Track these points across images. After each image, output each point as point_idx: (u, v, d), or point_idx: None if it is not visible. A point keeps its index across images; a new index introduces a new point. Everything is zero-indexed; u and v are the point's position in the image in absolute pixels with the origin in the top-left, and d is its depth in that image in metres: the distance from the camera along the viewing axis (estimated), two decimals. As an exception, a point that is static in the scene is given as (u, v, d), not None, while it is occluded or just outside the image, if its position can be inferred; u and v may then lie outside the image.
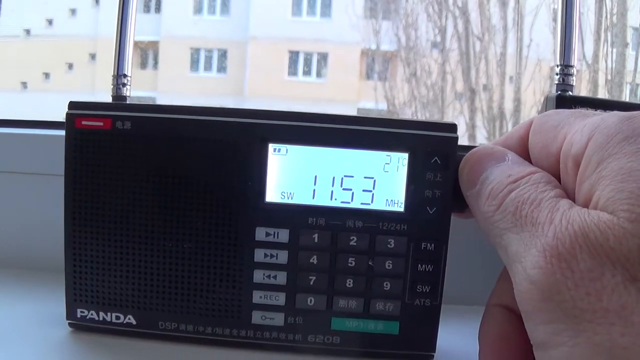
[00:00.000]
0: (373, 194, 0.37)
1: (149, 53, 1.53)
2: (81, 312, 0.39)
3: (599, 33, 1.05)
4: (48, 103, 1.33)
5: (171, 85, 1.35)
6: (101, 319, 0.39)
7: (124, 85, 0.43)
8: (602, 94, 1.04)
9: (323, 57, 1.45)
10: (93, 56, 1.46)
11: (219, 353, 0.38)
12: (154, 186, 0.37)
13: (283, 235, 0.37)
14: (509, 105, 1.23)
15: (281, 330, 0.38)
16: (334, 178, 0.37)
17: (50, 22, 1.39)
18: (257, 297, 0.38)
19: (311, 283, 0.38)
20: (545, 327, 0.25)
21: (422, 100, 1.25)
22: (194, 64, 1.50)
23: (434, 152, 0.37)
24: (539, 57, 1.22)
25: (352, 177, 0.37)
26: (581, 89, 1.03)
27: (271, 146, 0.37)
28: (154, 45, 1.52)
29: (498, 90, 1.21)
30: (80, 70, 1.44)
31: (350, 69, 1.44)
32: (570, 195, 0.28)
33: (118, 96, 0.43)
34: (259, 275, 0.38)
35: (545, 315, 0.25)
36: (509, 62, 1.25)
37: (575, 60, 0.50)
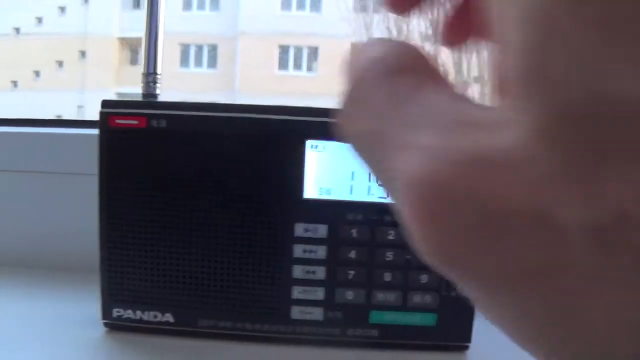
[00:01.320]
0: (410, 189, 0.38)
1: (139, 49, 1.52)
2: (117, 311, 0.39)
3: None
4: (39, 101, 1.31)
5: (162, 81, 1.34)
6: (138, 317, 0.39)
7: (155, 82, 0.42)
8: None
9: (313, 51, 1.45)
10: (83, 53, 1.45)
11: (258, 349, 0.39)
12: (191, 184, 0.37)
13: (322, 231, 0.38)
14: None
15: (320, 324, 0.39)
16: (370, 173, 0.37)
17: (39, 20, 1.38)
18: (296, 292, 0.38)
19: (350, 277, 0.38)
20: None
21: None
22: (184, 60, 1.49)
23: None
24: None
25: (389, 171, 0.37)
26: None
27: (309, 143, 0.37)
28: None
29: (490, 82, 1.21)
30: (71, 68, 1.43)
31: (342, 62, 1.44)
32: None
33: (148, 94, 0.42)
34: (298, 271, 0.38)
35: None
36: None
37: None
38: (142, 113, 0.37)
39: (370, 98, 0.16)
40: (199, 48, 1.48)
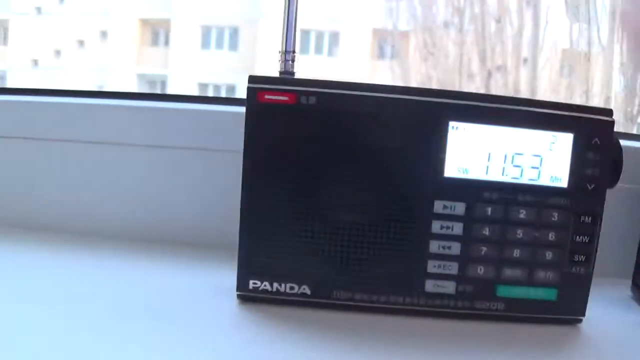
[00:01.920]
0: (540, 171, 0.40)
1: (160, 31, 1.51)
2: (254, 283, 0.41)
3: (614, 17, 1.08)
4: (59, 80, 1.31)
5: (183, 63, 1.34)
6: (275, 289, 0.41)
7: (293, 61, 0.44)
8: (616, 77, 1.08)
9: (334, 36, 1.46)
10: (104, 33, 1.44)
11: (392, 321, 0.40)
12: (336, 160, 0.39)
13: (459, 208, 0.40)
14: (523, 87, 1.26)
15: (452, 298, 0.41)
16: (505, 155, 0.40)
17: (61, -1, 1.37)
18: (432, 266, 0.40)
19: (482, 253, 0.40)
20: None
21: (439, 80, 1.27)
22: (205, 42, 1.49)
23: (595, 134, 0.39)
24: (554, 39, 1.25)
25: (522, 154, 0.40)
26: (597, 72, 1.07)
27: (451, 124, 0.39)
28: (166, 23, 1.50)
29: (513, 71, 1.24)
30: (91, 48, 1.42)
31: (363, 48, 1.45)
32: None
33: (286, 72, 0.44)
34: (434, 246, 0.40)
35: None
36: (524, 44, 1.28)
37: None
38: (293, 90, 0.39)
39: None
40: (221, 30, 1.48)
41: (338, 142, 0.39)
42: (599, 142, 0.39)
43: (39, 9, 1.36)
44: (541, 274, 0.41)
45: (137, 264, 0.50)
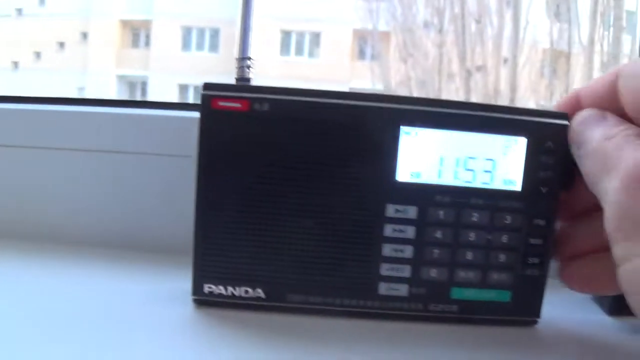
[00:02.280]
0: (492, 174, 0.40)
1: (140, 32, 1.52)
2: (208, 287, 0.41)
3: (595, 16, 1.09)
4: (39, 82, 1.31)
5: (163, 65, 1.35)
6: (229, 293, 0.41)
7: (249, 67, 0.44)
8: (597, 77, 1.09)
9: (315, 37, 1.47)
10: (85, 35, 1.44)
11: (347, 324, 0.41)
12: (289, 166, 0.39)
13: (411, 212, 0.40)
14: (503, 87, 1.27)
15: (405, 300, 0.41)
16: (458, 159, 0.40)
17: (41, 1, 1.37)
18: (385, 269, 0.40)
19: (435, 256, 0.40)
20: (624, 244, 0.29)
21: (418, 80, 1.28)
22: (186, 43, 1.49)
23: (548, 137, 0.40)
24: (534, 39, 1.26)
25: (475, 158, 0.40)
26: (577, 72, 1.08)
27: (403, 129, 0.39)
28: (146, 24, 1.50)
29: (493, 71, 1.25)
30: (72, 49, 1.42)
31: (343, 49, 1.46)
32: None
33: (243, 78, 0.44)
34: (387, 249, 0.40)
35: (624, 234, 0.29)
36: (504, 44, 1.29)
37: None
38: (246, 96, 0.39)
39: (627, 138, 0.32)
40: (201, 31, 1.49)
41: (291, 148, 0.39)
42: (552, 146, 0.40)
43: (19, 11, 1.36)
44: (495, 276, 0.41)
45: (92, 269, 0.50)
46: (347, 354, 0.37)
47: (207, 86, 0.39)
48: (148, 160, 0.54)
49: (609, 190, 0.31)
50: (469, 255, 0.40)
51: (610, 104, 0.36)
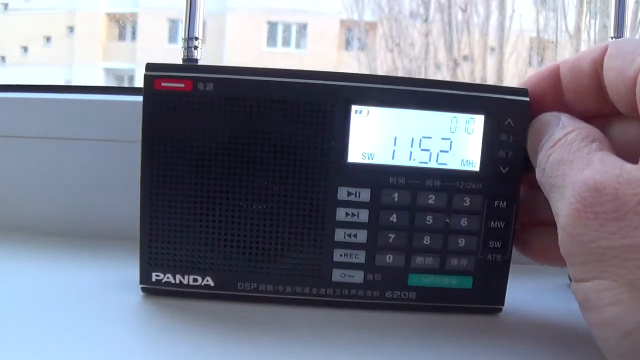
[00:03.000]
0: (450, 154, 0.38)
1: (127, 25, 1.49)
2: (156, 275, 0.39)
3: (582, 4, 1.07)
4: (27, 76, 1.29)
5: (150, 57, 1.33)
6: (178, 282, 0.39)
7: (196, 47, 0.42)
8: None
9: (302, 28, 1.45)
10: (71, 29, 1.42)
11: (299, 312, 0.39)
12: (235, 147, 0.38)
13: (364, 195, 0.38)
14: (491, 76, 1.25)
15: (360, 287, 0.39)
16: (412, 139, 0.38)
17: (28, -5, 1.35)
18: (338, 255, 0.39)
19: (390, 241, 0.39)
20: (579, 267, 0.28)
21: (405, 70, 1.26)
22: (173, 36, 1.47)
23: (507, 115, 0.38)
24: (521, 28, 1.24)
25: (430, 138, 0.38)
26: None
27: (354, 108, 0.37)
28: (133, 17, 1.48)
29: (480, 60, 1.22)
30: (58, 44, 1.40)
31: (330, 39, 1.44)
32: None
33: (189, 59, 0.42)
34: (340, 234, 0.39)
35: (577, 258, 0.28)
36: (491, 33, 1.27)
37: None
38: (189, 76, 0.37)
39: (576, 144, 0.31)
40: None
41: (237, 129, 0.37)
42: (512, 124, 0.38)
43: (5, 5, 1.34)
44: (454, 262, 0.39)
45: (40, 257, 0.49)
46: (299, 344, 0.35)
47: (150, 67, 0.38)
48: (95, 147, 0.53)
49: (559, 214, 0.30)
50: (427, 240, 0.39)
51: (591, 81, 0.35)
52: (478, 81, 1.18)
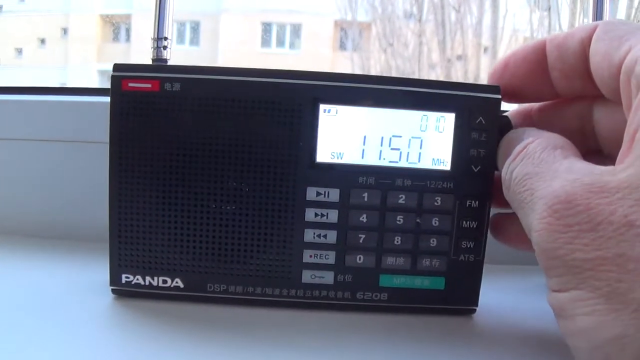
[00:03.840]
0: (420, 153, 0.38)
1: (121, 27, 1.49)
2: (126, 277, 0.39)
3: (575, 4, 1.07)
4: (21, 78, 1.29)
5: (144, 58, 1.32)
6: (147, 283, 0.39)
7: (165, 47, 0.42)
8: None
9: (296, 29, 1.44)
10: (65, 30, 1.42)
11: (269, 313, 0.39)
12: (203, 148, 0.37)
13: (333, 195, 0.38)
14: (484, 75, 1.25)
15: (330, 288, 0.39)
16: (382, 138, 0.38)
17: (22, -3, 1.35)
18: (308, 256, 0.38)
19: (360, 241, 0.38)
20: (556, 279, 0.28)
21: (398, 70, 1.26)
22: (166, 37, 1.48)
23: (479, 112, 0.37)
24: (514, 27, 1.23)
25: (400, 137, 0.38)
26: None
27: (322, 107, 0.37)
28: (127, 18, 1.48)
29: (474, 60, 1.22)
30: (53, 45, 1.40)
31: (324, 39, 1.43)
32: (627, 108, 0.29)
33: (159, 59, 0.42)
34: (309, 235, 0.38)
35: (554, 271, 0.28)
36: (484, 33, 1.26)
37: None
38: (156, 76, 0.37)
39: (538, 155, 0.31)
40: (182, 25, 1.46)
41: (205, 130, 0.37)
42: (484, 121, 0.38)
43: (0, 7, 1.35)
44: (426, 262, 0.39)
45: (9, 259, 0.49)
46: (269, 345, 0.35)
47: (117, 67, 0.37)
48: (66, 148, 0.52)
49: (532, 229, 0.29)
50: (397, 240, 0.38)
51: (578, 61, 0.33)
52: (471, 80, 1.18)
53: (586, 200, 0.26)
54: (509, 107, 0.42)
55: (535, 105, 0.39)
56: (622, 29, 0.30)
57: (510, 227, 0.37)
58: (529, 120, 0.39)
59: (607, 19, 0.37)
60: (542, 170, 0.30)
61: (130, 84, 0.37)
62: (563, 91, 0.36)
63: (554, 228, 0.27)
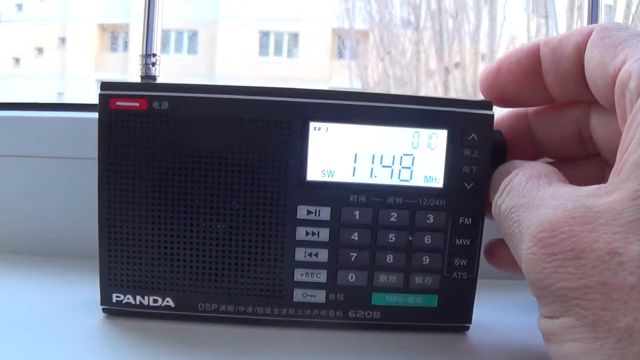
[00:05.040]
0: (412, 171, 0.38)
1: (119, 36, 1.49)
2: (117, 296, 0.39)
3: (572, 11, 1.06)
4: (19, 88, 1.29)
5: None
6: (138, 302, 0.39)
7: (154, 64, 0.42)
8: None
9: (294, 37, 1.44)
10: (62, 40, 1.43)
11: (260, 332, 0.38)
12: (193, 166, 0.37)
13: (324, 213, 0.37)
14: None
15: (322, 307, 0.39)
16: (373, 155, 0.37)
17: (19, 7, 1.35)
18: (299, 275, 0.38)
19: (352, 260, 0.38)
20: (546, 307, 0.28)
21: (396, 78, 1.25)
22: (165, 45, 1.47)
23: (471, 129, 0.37)
24: (512, 34, 1.23)
25: (392, 154, 0.37)
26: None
27: (312, 125, 0.37)
28: (125, 27, 1.48)
29: (471, 68, 1.22)
30: (50, 55, 1.40)
31: (322, 48, 1.43)
32: (621, 121, 0.29)
33: (147, 76, 0.42)
34: (300, 253, 0.38)
35: (543, 299, 0.28)
36: (482, 40, 1.26)
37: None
38: (143, 95, 0.37)
39: (523, 186, 0.30)
40: (180, 33, 1.46)
41: (194, 148, 0.37)
42: (476, 138, 0.37)
43: (-3, 17, 1.35)
44: (419, 280, 0.38)
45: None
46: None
47: (105, 85, 0.37)
48: (57, 164, 0.52)
49: (520, 260, 0.29)
50: (389, 258, 0.38)
51: (573, 66, 0.33)
52: (470, 88, 1.17)
53: (569, 228, 0.26)
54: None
55: (531, 108, 0.39)
56: (618, 36, 0.30)
57: (503, 252, 0.37)
58: (525, 123, 0.39)
59: (604, 22, 0.35)
60: (527, 200, 0.30)
61: (118, 103, 0.37)
62: (557, 96, 0.35)
63: (539, 258, 0.27)
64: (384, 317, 0.39)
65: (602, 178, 0.35)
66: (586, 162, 0.38)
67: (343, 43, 1.44)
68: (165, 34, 1.54)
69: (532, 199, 0.29)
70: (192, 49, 1.51)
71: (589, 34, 0.31)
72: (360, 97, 0.37)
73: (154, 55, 0.42)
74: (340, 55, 1.46)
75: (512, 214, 0.30)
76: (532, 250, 0.27)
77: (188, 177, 0.37)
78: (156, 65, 0.42)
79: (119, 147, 0.37)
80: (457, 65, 1.27)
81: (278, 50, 1.50)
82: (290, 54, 1.49)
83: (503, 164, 0.36)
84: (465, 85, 1.25)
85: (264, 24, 1.48)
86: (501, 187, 0.32)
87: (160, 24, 0.44)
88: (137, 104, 0.37)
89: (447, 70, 1.26)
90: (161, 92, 0.37)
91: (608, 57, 0.29)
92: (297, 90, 0.37)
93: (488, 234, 0.39)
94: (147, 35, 0.42)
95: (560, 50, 0.33)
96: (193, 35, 1.53)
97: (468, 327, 0.40)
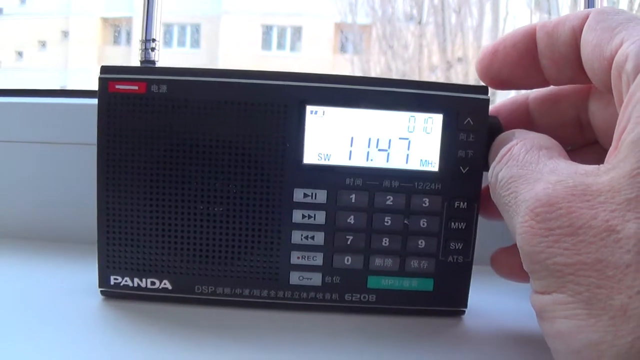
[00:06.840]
0: (408, 155, 0.38)
1: (122, 29, 1.50)
2: (115, 279, 0.39)
3: (575, 6, 1.06)
4: (22, 81, 1.29)
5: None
6: (136, 285, 0.39)
7: (153, 49, 0.42)
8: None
9: (297, 31, 1.45)
10: (65, 33, 1.43)
11: (257, 315, 0.39)
12: (190, 150, 0.37)
13: (321, 196, 0.38)
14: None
15: (318, 290, 0.39)
16: (370, 139, 0.38)
17: (22, 0, 1.36)
18: (295, 257, 0.38)
19: (348, 243, 0.38)
20: (539, 282, 0.28)
21: (399, 72, 1.26)
22: (168, 39, 1.47)
23: (467, 113, 0.37)
24: (515, 29, 1.23)
25: (388, 138, 0.38)
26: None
27: (309, 108, 0.37)
28: (128, 21, 1.48)
29: (474, 62, 1.22)
30: (53, 48, 1.40)
31: (325, 42, 1.43)
32: (618, 103, 0.29)
33: (147, 60, 0.42)
34: (297, 236, 0.38)
35: (537, 274, 0.27)
36: (484, 35, 1.26)
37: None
38: (142, 78, 0.37)
39: (522, 157, 0.31)
40: (182, 27, 1.46)
41: (192, 131, 0.37)
42: (472, 122, 0.38)
43: (0, 10, 1.35)
44: (414, 264, 0.39)
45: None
46: (257, 347, 0.35)
47: (104, 69, 0.38)
48: (55, 150, 0.52)
49: (515, 232, 0.29)
50: (385, 242, 0.38)
51: (569, 50, 0.33)
52: (472, 82, 1.17)
53: (568, 204, 0.26)
54: (506, 94, 0.42)
55: (530, 94, 0.39)
56: (614, 19, 0.30)
57: (509, 261, 0.37)
58: (525, 110, 0.39)
59: (600, 7, 0.35)
60: (525, 172, 0.30)
61: (117, 86, 0.37)
62: (553, 79, 0.35)
63: (535, 232, 0.27)
64: (379, 301, 0.39)
65: None
66: (583, 150, 0.39)
67: (346, 37, 1.44)
68: (168, 28, 1.54)
69: (531, 171, 0.29)
70: (195, 43, 1.51)
71: (585, 18, 0.32)
72: (357, 81, 0.37)
73: (154, 40, 0.43)
74: (343, 49, 1.46)
75: (509, 184, 0.30)
76: (529, 224, 0.27)
77: (186, 160, 0.37)
78: (155, 50, 0.43)
79: (118, 130, 0.37)
80: (459, 59, 1.27)
81: (281, 44, 1.50)
82: (293, 48, 1.49)
83: (504, 132, 0.36)
84: (467, 79, 1.25)
85: (267, 18, 1.49)
86: (500, 155, 0.32)
87: (161, 8, 0.44)
88: (136, 87, 0.37)
89: (449, 64, 1.26)
90: (160, 76, 0.37)
91: (605, 40, 0.30)
92: (294, 74, 0.37)
93: (488, 235, 0.40)
94: (147, 20, 0.43)
95: (556, 34, 0.33)
96: (196, 29, 1.53)
97: (463, 312, 0.40)
